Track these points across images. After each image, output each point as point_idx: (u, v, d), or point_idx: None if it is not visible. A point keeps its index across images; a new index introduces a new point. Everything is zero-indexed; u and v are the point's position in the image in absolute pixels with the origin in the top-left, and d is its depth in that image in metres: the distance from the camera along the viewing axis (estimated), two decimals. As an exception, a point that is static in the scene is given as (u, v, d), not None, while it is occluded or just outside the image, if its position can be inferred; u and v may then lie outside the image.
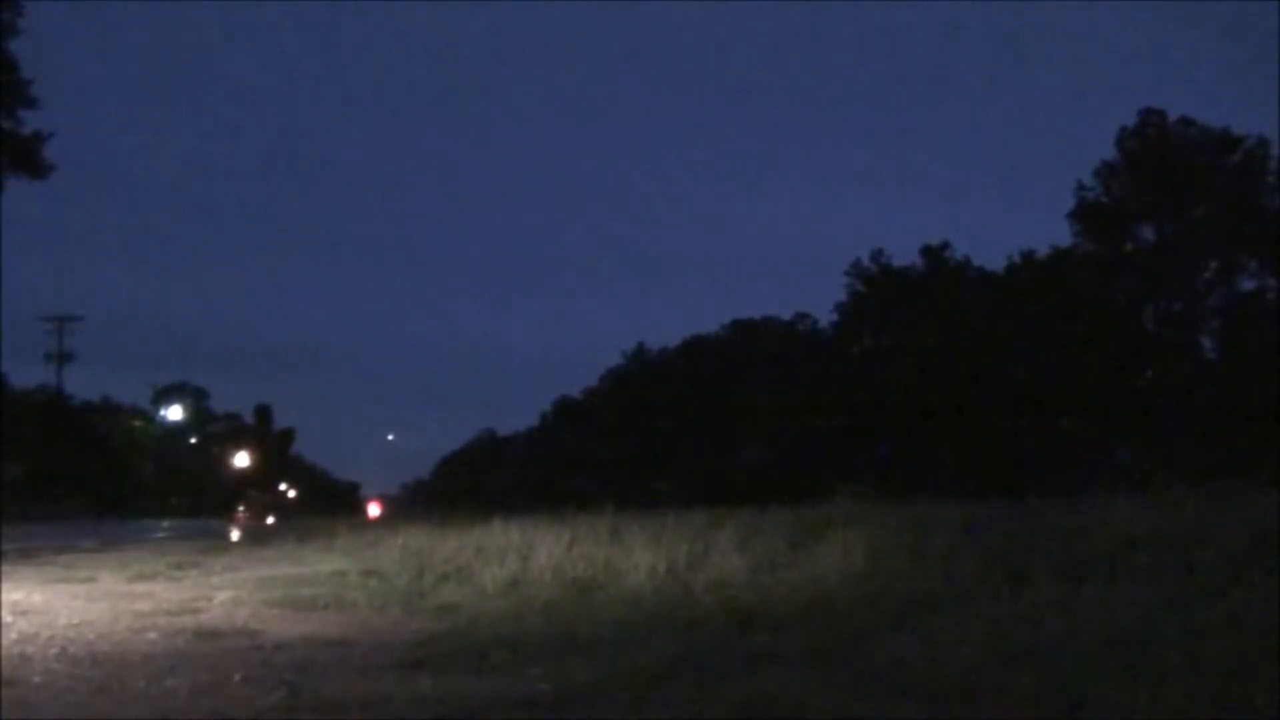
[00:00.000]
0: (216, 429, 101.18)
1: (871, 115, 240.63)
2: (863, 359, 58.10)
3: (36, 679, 6.02)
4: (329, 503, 78.43)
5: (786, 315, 70.62)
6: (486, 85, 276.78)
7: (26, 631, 7.84)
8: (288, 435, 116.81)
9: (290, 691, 5.59)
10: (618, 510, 16.47)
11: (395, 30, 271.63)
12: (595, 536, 13.16)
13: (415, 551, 14.26)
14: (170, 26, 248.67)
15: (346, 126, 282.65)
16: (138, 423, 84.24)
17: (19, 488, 53.23)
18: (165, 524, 45.68)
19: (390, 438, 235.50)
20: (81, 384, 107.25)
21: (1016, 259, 54.28)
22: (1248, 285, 47.74)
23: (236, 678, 6.03)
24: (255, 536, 26.33)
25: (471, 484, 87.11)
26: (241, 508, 73.49)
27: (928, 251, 57.91)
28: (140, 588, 11.58)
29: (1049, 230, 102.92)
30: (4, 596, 9.84)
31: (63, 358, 65.29)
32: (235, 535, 29.59)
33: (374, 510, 54.38)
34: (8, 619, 8.41)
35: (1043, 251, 53.12)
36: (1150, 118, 49.17)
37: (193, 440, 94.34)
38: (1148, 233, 49.57)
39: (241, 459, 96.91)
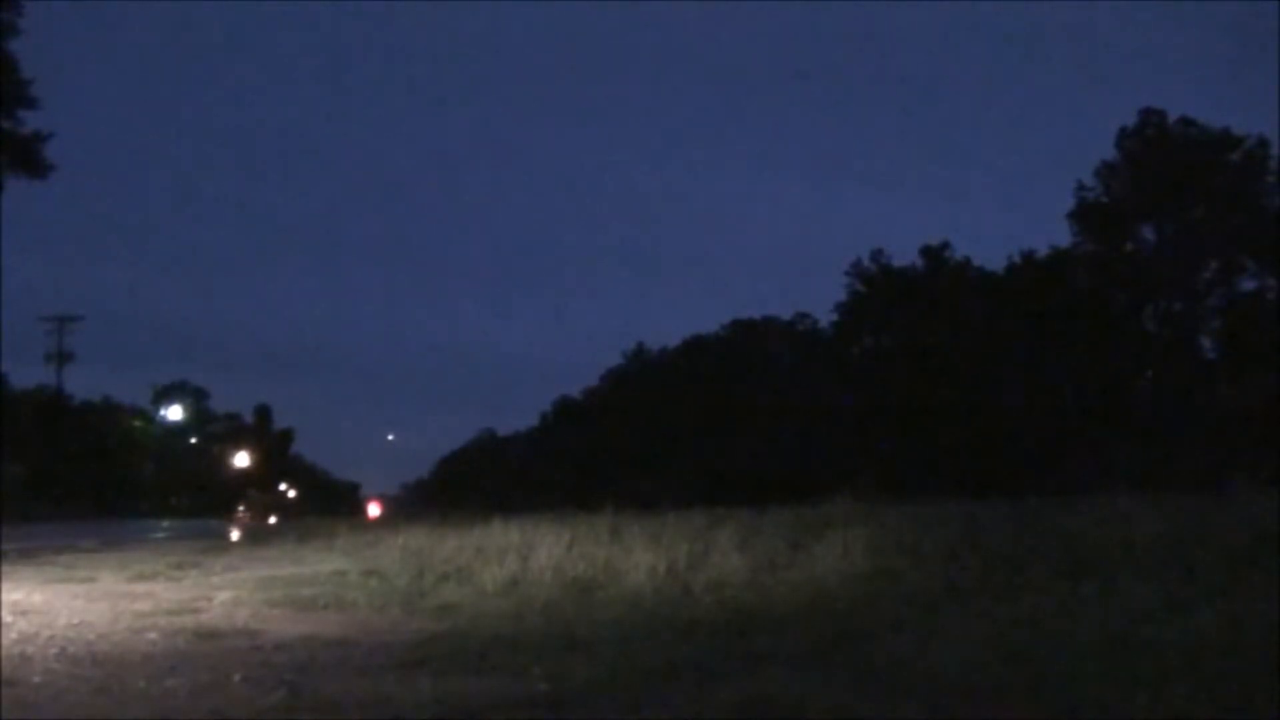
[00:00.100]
0: (216, 429, 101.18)
1: (871, 115, 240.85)
2: (863, 359, 58.11)
3: (36, 679, 6.02)
4: (329, 503, 78.53)
5: (786, 315, 70.65)
6: (486, 85, 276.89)
7: (26, 631, 7.83)
8: (288, 435, 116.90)
9: (290, 691, 5.59)
10: (618, 510, 16.47)
11: (395, 30, 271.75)
12: (595, 536, 13.16)
13: (415, 551, 14.26)
14: (170, 26, 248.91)
15: (346, 126, 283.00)
16: (138, 423, 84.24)
17: (19, 488, 53.23)
18: (165, 524, 45.70)
19: (390, 438, 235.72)
20: (81, 384, 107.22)
21: (1016, 259, 54.30)
22: (1248, 285, 47.77)
23: (236, 678, 6.03)
24: (255, 536, 26.33)
25: (471, 484, 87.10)
26: (241, 508, 73.52)
27: (928, 251, 57.91)
28: (140, 588, 11.57)
29: (1049, 230, 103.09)
30: (4, 596, 9.83)
31: (63, 358, 65.26)
32: (235, 535, 29.59)
33: (374, 510, 54.36)
34: (8, 619, 8.41)
35: (1043, 251, 53.18)
36: (1150, 118, 49.17)
37: (193, 440, 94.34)
38: (1148, 233, 49.58)
39: (241, 459, 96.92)
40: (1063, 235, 51.75)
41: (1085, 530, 10.59)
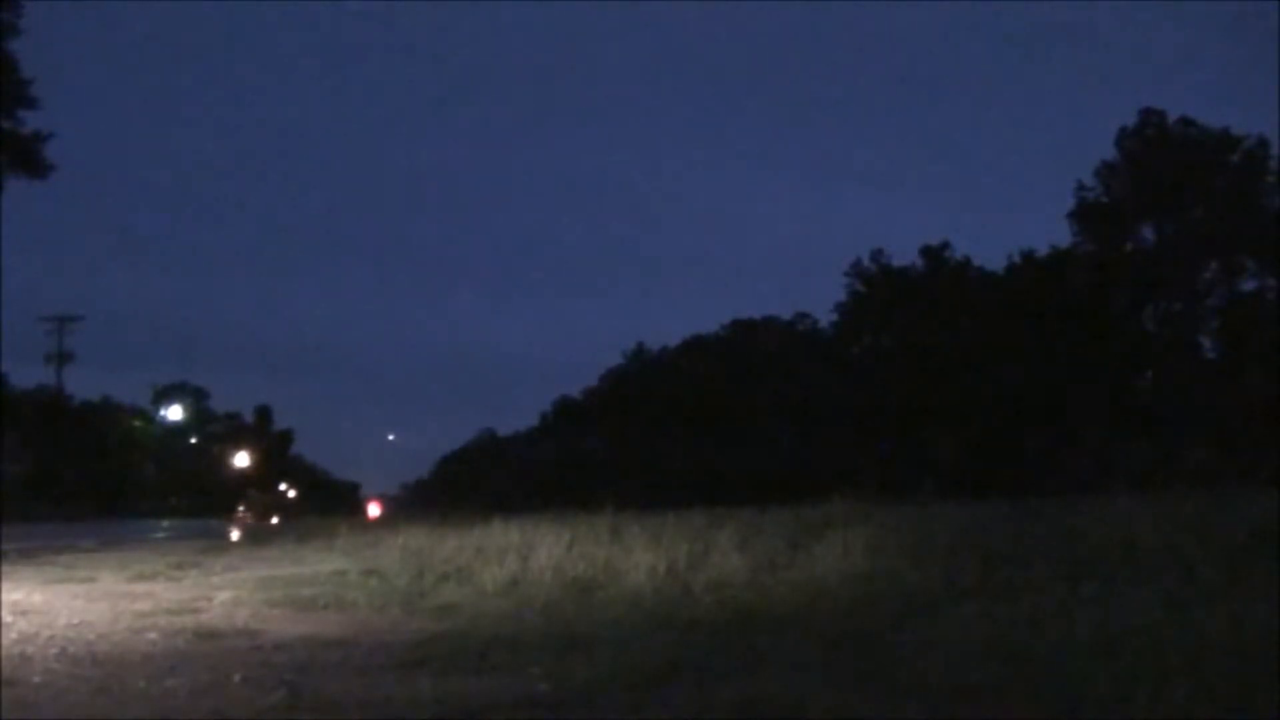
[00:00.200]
0: (216, 429, 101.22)
1: (871, 115, 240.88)
2: (863, 359, 58.12)
3: (36, 679, 6.02)
4: (329, 503, 78.44)
5: (786, 315, 70.71)
6: (486, 85, 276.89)
7: (26, 631, 7.83)
8: (287, 435, 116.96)
9: (290, 691, 5.58)
10: (618, 510, 16.46)
11: (395, 30, 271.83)
12: (595, 536, 13.16)
13: (415, 551, 14.26)
14: (170, 26, 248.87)
15: (346, 126, 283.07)
16: (138, 423, 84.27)
17: (19, 488, 53.24)
18: (165, 524, 45.70)
19: (390, 438, 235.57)
20: (81, 384, 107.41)
21: (1016, 259, 54.33)
22: (1248, 285, 47.83)
23: (236, 678, 6.02)
24: (255, 536, 26.33)
25: (471, 484, 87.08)
26: (242, 508, 73.53)
27: (928, 251, 57.94)
28: (140, 588, 11.57)
29: (1049, 230, 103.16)
30: (4, 596, 9.83)
31: (63, 358, 65.29)
32: (235, 535, 29.59)
33: (374, 510, 54.34)
34: (8, 619, 8.40)
35: (1043, 251, 53.21)
36: (1150, 118, 49.20)
37: (193, 440, 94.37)
38: (1148, 233, 49.61)
39: (241, 459, 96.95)
40: (1063, 235, 51.88)
41: (1085, 530, 10.59)
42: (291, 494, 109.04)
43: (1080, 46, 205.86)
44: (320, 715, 5.13)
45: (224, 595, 10.52)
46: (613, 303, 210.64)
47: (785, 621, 7.66)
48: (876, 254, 59.18)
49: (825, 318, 64.11)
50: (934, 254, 57.79)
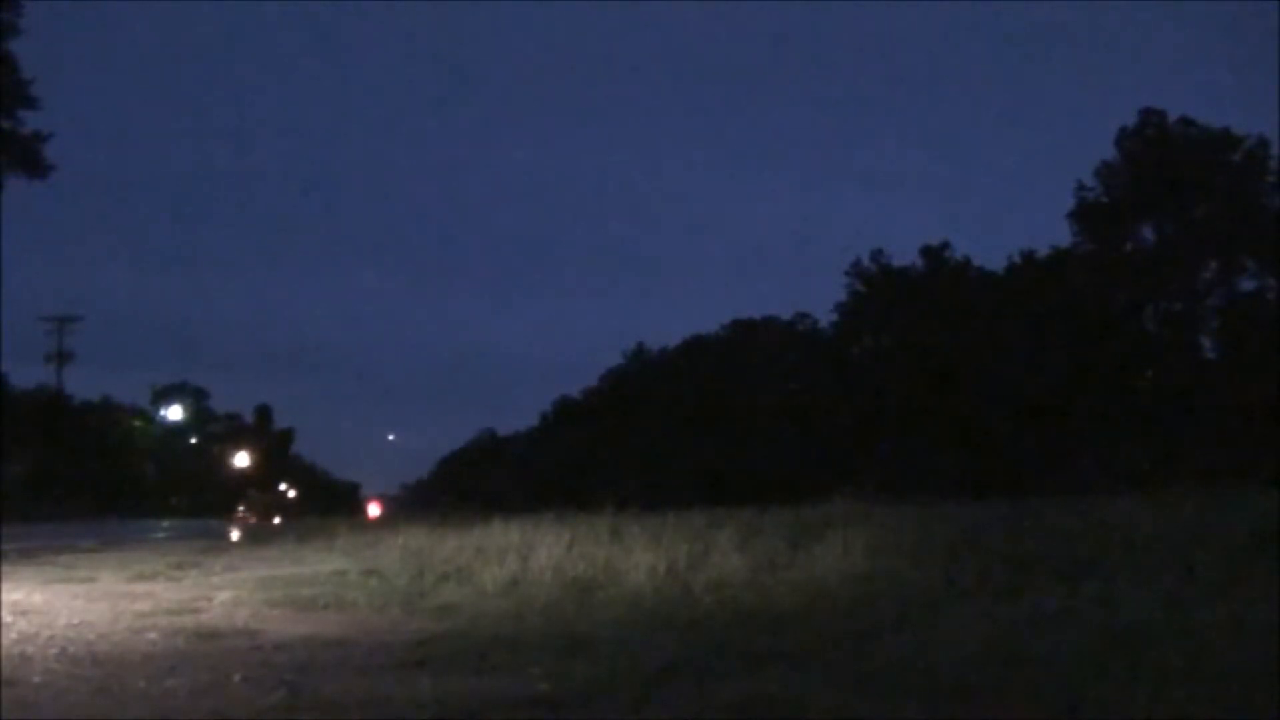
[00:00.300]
0: (216, 429, 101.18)
1: (871, 115, 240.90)
2: (863, 359, 58.09)
3: (36, 679, 6.02)
4: (329, 503, 78.44)
5: (786, 315, 70.61)
6: (486, 85, 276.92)
7: (26, 631, 7.83)
8: (287, 435, 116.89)
9: (290, 691, 5.59)
10: (618, 510, 16.46)
11: (395, 30, 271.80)
12: (595, 536, 13.16)
13: (415, 551, 14.26)
14: (170, 26, 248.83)
15: (346, 126, 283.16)
16: (138, 423, 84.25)
17: (19, 488, 53.24)
18: (165, 524, 45.70)
19: (390, 438, 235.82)
20: (81, 384, 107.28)
21: (1016, 259, 54.31)
22: (1248, 285, 47.77)
23: (236, 678, 6.02)
24: (255, 536, 26.33)
25: (471, 484, 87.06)
26: (242, 508, 73.55)
27: (928, 251, 57.91)
28: (140, 588, 11.57)
29: (1049, 230, 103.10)
30: (4, 596, 9.83)
31: (63, 358, 65.31)
32: (235, 535, 29.59)
33: (374, 510, 54.40)
34: (8, 619, 8.40)
35: (1043, 251, 53.19)
36: (1150, 118, 49.17)
37: (193, 440, 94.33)
38: (1148, 233, 49.58)
39: (241, 459, 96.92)
40: (1063, 235, 51.81)
41: (1085, 530, 10.60)
42: (291, 494, 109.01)
43: (1080, 46, 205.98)
44: (320, 715, 5.13)
45: (224, 595, 10.51)
46: (613, 303, 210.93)
47: (785, 621, 7.65)
48: (876, 254, 59.19)
49: (825, 318, 64.11)
50: (934, 254, 57.77)
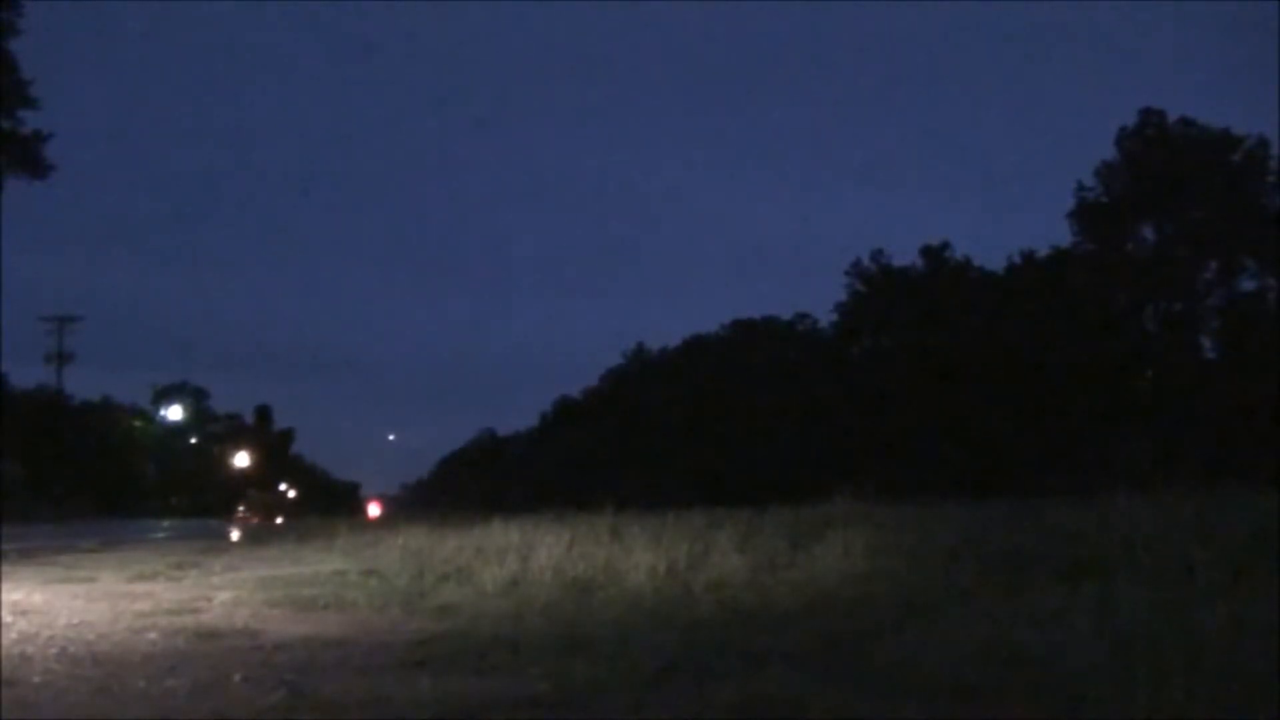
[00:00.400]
0: (216, 429, 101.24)
1: (871, 115, 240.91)
2: (863, 359, 58.11)
3: (36, 679, 6.01)
4: (329, 503, 78.47)
5: (786, 315, 70.71)
6: (487, 85, 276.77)
7: (26, 631, 7.83)
8: (288, 435, 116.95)
9: (290, 691, 5.58)
10: (618, 510, 16.46)
11: (396, 30, 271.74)
12: (595, 536, 13.16)
13: (415, 551, 14.25)
14: (170, 26, 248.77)
15: (346, 127, 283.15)
16: (138, 423, 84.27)
17: (19, 488, 53.24)
18: (165, 524, 45.70)
19: (390, 438, 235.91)
20: (81, 384, 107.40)
21: (1016, 259, 54.35)
22: (1248, 285, 47.80)
23: (236, 678, 6.02)
24: (255, 536, 26.33)
25: (471, 484, 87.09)
26: (242, 508, 73.57)
27: (928, 251, 57.94)
28: (140, 588, 11.57)
29: (1049, 230, 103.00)
30: (4, 596, 9.83)
31: (63, 358, 65.31)
32: (235, 535, 29.59)
33: (374, 510, 54.47)
34: (8, 619, 8.40)
35: (1043, 251, 53.22)
36: (1150, 118, 49.18)
37: (193, 440, 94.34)
38: (1148, 233, 49.58)
39: (241, 459, 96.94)
40: (1063, 235, 51.85)
41: (1085, 530, 10.60)
42: (291, 494, 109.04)
43: (1080, 46, 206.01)
44: (320, 715, 5.13)
45: (224, 595, 10.51)
46: (613, 303, 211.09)
47: (785, 621, 7.66)
48: (876, 254, 59.23)
49: (825, 318, 64.19)
50: (934, 254, 57.79)
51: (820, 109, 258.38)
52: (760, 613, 8.18)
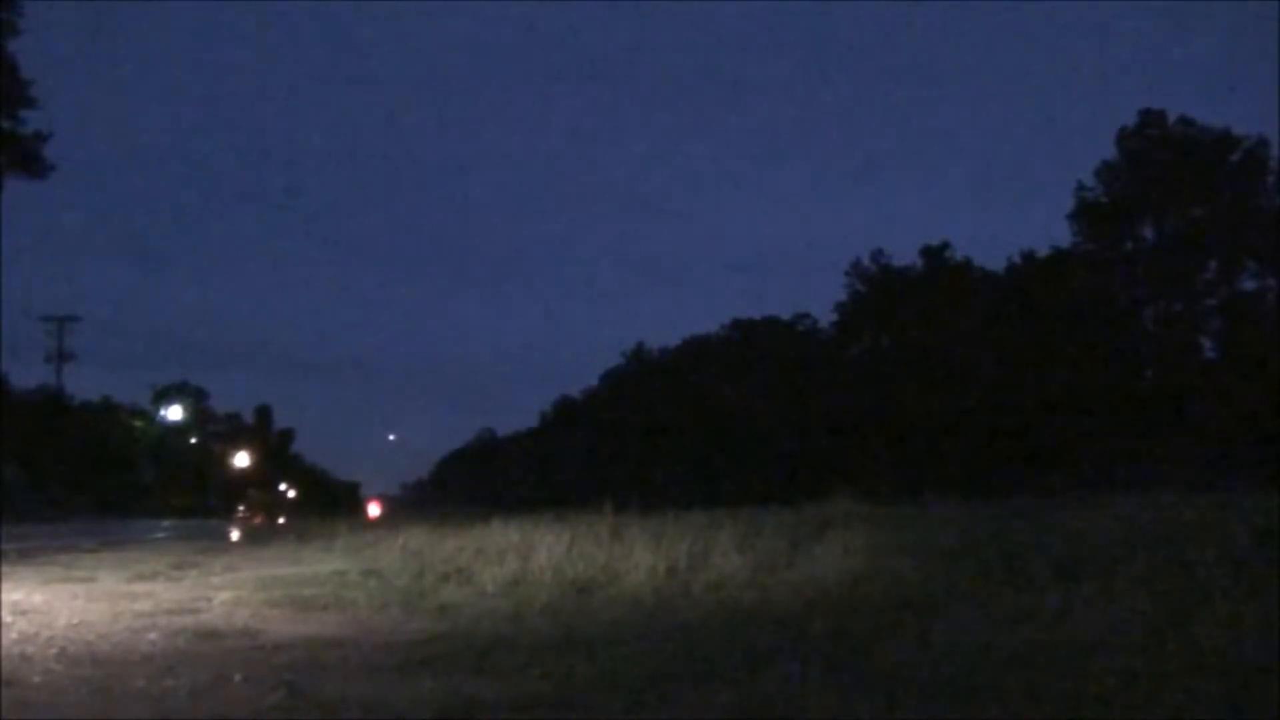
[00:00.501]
0: (216, 429, 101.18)
1: (872, 115, 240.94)
2: (862, 359, 58.11)
3: (36, 679, 6.01)
4: (329, 503, 78.43)
5: (786, 315, 70.74)
6: (487, 86, 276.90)
7: (26, 631, 7.83)
8: (288, 435, 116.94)
9: (290, 691, 5.58)
10: (618, 510, 16.46)
11: (396, 30, 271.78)
12: (595, 536, 13.15)
13: (415, 551, 14.26)
14: (171, 27, 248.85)
15: (347, 127, 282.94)
16: (138, 423, 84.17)
17: (19, 488, 53.22)
18: (165, 524, 45.68)
19: (390, 438, 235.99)
20: (81, 384, 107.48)
21: (1016, 259, 54.33)
22: (1248, 285, 47.78)
23: (236, 678, 6.02)
24: (255, 536, 26.32)
25: (471, 484, 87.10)
26: (242, 508, 73.55)
27: (928, 251, 57.93)
28: (140, 588, 11.56)
29: (1049, 230, 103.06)
30: (4, 596, 9.82)
31: (63, 358, 65.30)
32: (235, 535, 29.59)
33: (374, 510, 54.28)
34: (8, 619, 8.40)
35: (1043, 251, 53.20)
36: (1150, 118, 49.18)
37: (193, 440, 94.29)
38: (1148, 233, 49.58)
39: (241, 459, 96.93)
40: (1063, 235, 51.85)
41: (1085, 530, 10.59)
42: (291, 494, 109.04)
43: (1080, 46, 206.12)
44: (320, 715, 5.13)
45: (224, 595, 10.51)
46: (613, 303, 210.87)
47: (785, 621, 7.65)
48: (876, 254, 59.25)
49: (825, 318, 64.21)
50: (934, 254, 57.79)
51: (820, 109, 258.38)
52: (760, 613, 8.18)
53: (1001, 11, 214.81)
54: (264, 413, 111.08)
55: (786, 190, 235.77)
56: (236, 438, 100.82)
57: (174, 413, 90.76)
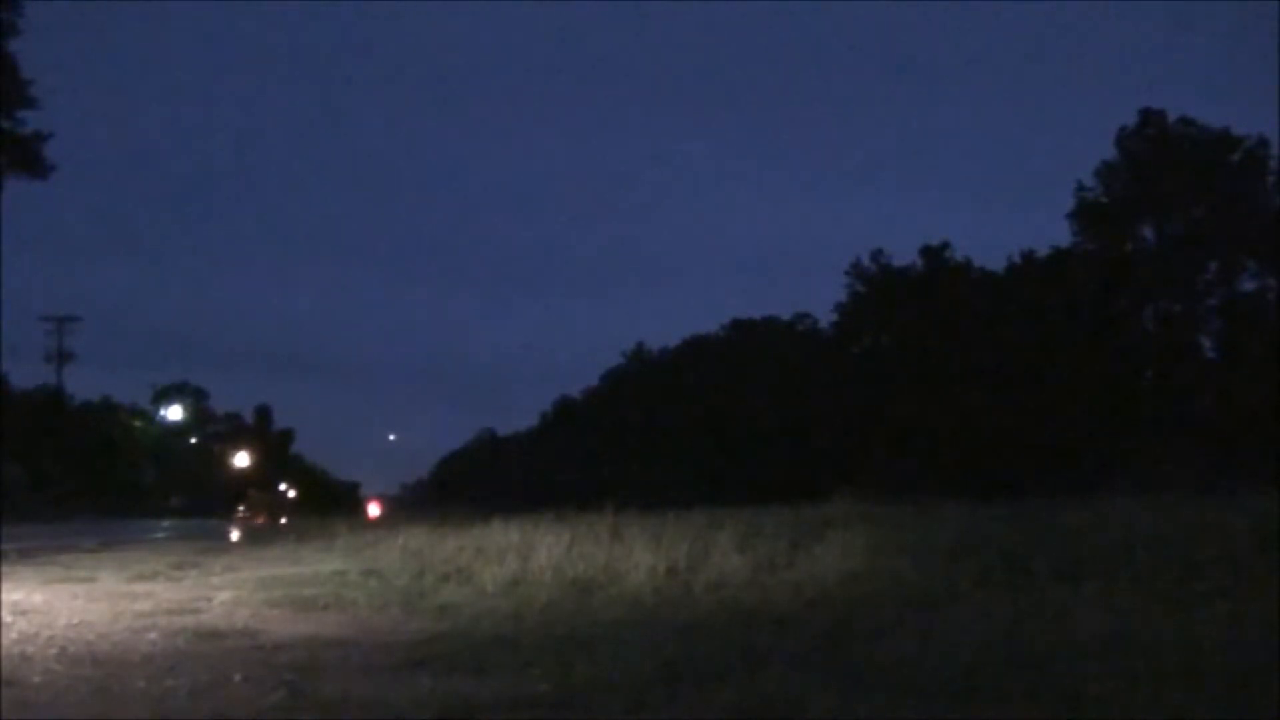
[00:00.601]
0: (216, 429, 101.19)
1: (871, 114, 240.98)
2: (863, 359, 58.10)
3: (36, 679, 6.02)
4: (329, 503, 78.40)
5: (786, 315, 70.75)
6: (487, 86, 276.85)
7: (26, 631, 7.83)
8: (287, 435, 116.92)
9: (290, 691, 5.59)
10: (618, 510, 16.46)
11: (395, 30, 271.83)
12: (595, 536, 13.16)
13: (415, 551, 14.26)
14: (169, 27, 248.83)
15: (347, 127, 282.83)
16: (138, 423, 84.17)
17: (19, 488, 53.22)
18: (165, 524, 45.67)
19: (390, 438, 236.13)
20: (81, 384, 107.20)
21: (1016, 259, 54.32)
22: (1248, 285, 47.78)
23: (236, 678, 6.03)
24: (255, 537, 26.33)
25: (471, 484, 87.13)
26: (243, 508, 73.53)
27: (928, 251, 57.91)
28: (140, 588, 11.57)
29: (1049, 230, 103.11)
30: (4, 596, 9.83)
31: (63, 358, 65.33)
32: (235, 535, 29.59)
33: (374, 510, 54.35)
34: (8, 619, 8.40)
35: (1043, 251, 53.20)
36: (1150, 118, 49.17)
37: (193, 440, 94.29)
38: (1148, 233, 49.59)
39: (241, 459, 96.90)
40: (1063, 235, 51.84)
41: (1085, 530, 10.60)
42: (291, 494, 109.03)
43: (1080, 46, 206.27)
44: (320, 715, 5.13)
45: (224, 595, 10.52)
46: (613, 303, 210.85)
47: (785, 621, 7.66)
48: (876, 254, 59.21)
49: (825, 318, 64.19)
50: (934, 254, 57.77)
51: (820, 109, 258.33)
52: (760, 613, 8.18)
53: (1001, 11, 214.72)
54: (264, 413, 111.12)
55: (786, 190, 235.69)
56: (236, 438, 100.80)
57: (174, 413, 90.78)
